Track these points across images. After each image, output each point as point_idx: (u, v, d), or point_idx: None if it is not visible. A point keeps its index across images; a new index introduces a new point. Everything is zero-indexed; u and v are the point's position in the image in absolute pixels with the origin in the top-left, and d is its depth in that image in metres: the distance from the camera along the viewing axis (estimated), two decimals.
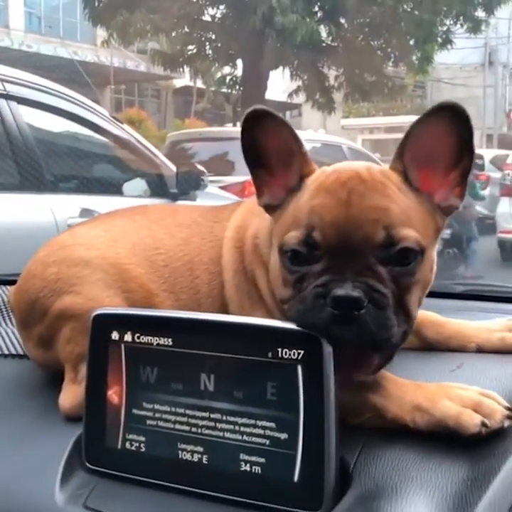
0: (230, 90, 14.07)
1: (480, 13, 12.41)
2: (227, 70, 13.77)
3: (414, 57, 12.88)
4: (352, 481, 0.66)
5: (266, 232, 0.87)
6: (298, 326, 0.67)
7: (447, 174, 0.78)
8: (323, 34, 12.28)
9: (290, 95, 14.04)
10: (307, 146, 0.80)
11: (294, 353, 0.65)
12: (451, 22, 12.51)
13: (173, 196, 3.99)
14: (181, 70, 13.36)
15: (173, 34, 12.98)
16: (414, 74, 14.04)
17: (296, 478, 0.65)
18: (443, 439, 0.70)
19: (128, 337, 0.70)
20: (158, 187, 4.08)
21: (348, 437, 0.69)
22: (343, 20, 12.59)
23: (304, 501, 0.64)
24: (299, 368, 0.65)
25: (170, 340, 0.69)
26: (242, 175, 6.89)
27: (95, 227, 0.98)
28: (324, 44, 12.63)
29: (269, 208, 0.83)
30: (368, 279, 0.70)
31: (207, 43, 13.00)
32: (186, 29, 12.62)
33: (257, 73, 12.37)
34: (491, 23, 16.10)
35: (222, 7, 12.67)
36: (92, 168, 4.06)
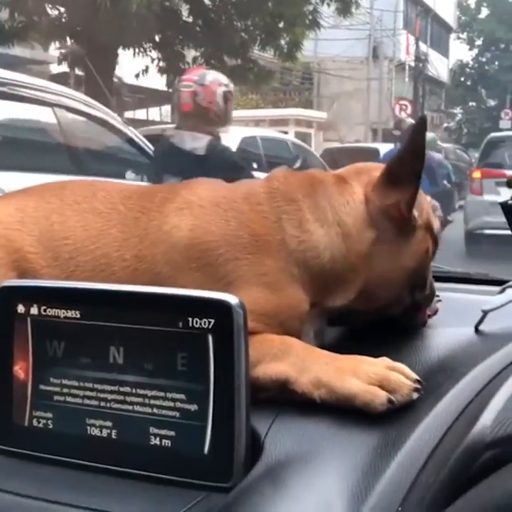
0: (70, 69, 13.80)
1: None
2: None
3: (283, 42, 13.17)
4: (263, 451, 0.75)
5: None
6: None
7: None
8: (185, 12, 12.24)
9: (137, 76, 13.72)
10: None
11: (205, 322, 0.72)
12: (318, 0, 12.92)
13: None
14: (11, 44, 12.86)
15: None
16: (283, 60, 14.39)
17: (206, 450, 0.72)
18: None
19: (34, 310, 0.77)
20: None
21: (261, 408, 0.79)
22: None
23: (214, 473, 0.71)
24: (210, 338, 0.72)
25: (78, 312, 0.76)
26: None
27: (8, 204, 1.03)
28: (181, 21, 12.65)
29: None
30: None
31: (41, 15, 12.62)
32: None
33: (103, 51, 12.09)
34: (375, 14, 16.85)
35: None
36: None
